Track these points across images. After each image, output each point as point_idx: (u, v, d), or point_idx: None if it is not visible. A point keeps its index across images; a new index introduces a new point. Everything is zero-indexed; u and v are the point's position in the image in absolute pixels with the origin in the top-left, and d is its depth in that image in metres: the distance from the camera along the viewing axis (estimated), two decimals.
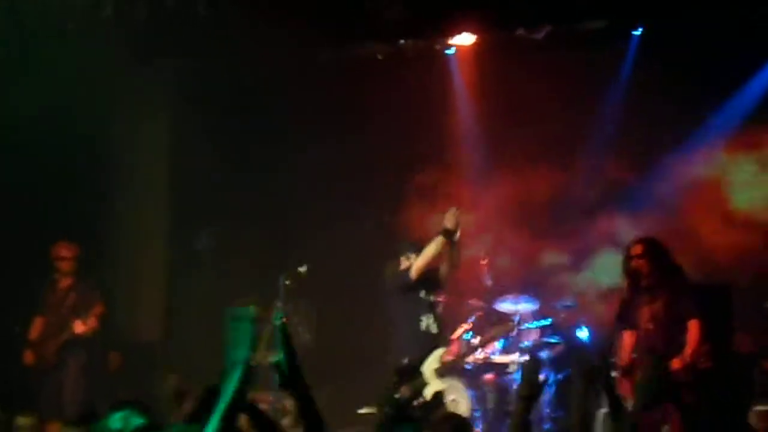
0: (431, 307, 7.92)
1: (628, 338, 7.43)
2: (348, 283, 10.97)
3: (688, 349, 7.04)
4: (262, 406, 10.09)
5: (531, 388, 4.43)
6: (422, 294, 7.88)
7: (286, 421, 10.33)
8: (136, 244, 11.08)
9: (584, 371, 4.50)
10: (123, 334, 10.32)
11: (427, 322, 7.84)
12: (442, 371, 7.69)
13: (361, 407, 9.84)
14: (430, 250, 7.65)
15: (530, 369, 4.52)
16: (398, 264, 8.01)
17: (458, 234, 7.63)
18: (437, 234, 7.64)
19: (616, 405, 4.72)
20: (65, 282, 9.26)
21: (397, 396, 7.71)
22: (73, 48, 8.83)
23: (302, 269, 8.87)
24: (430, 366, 7.68)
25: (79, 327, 9.01)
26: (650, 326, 7.28)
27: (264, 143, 11.47)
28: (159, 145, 11.39)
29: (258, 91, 11.27)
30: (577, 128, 10.70)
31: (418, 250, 7.85)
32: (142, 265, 11.09)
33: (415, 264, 7.68)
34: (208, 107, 11.15)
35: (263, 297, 10.04)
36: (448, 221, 7.54)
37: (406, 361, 7.69)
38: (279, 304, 8.97)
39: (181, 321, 11.03)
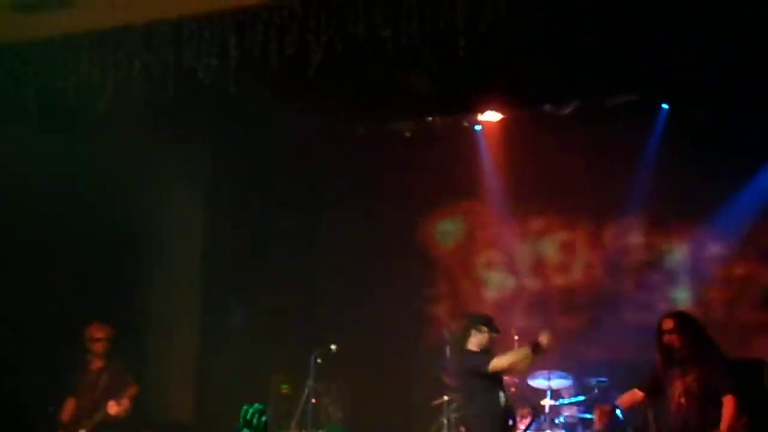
0: (502, 383, 7.89)
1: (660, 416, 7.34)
2: (381, 361, 10.95)
3: (724, 425, 6.94)
4: None
5: None
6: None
7: None
8: (168, 323, 11.10)
9: None
10: (154, 414, 10.30)
11: (504, 397, 7.79)
12: None
13: None
14: (516, 358, 7.62)
15: None
16: (467, 335, 7.91)
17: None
18: (527, 344, 7.62)
19: None
20: (98, 363, 9.27)
21: None
22: (105, 126, 8.95)
23: (333, 347, 8.87)
24: None
25: (113, 408, 9.00)
26: (683, 401, 7.18)
27: (295, 219, 11.55)
28: (191, 222, 11.46)
29: (289, 166, 11.38)
30: (604, 200, 10.71)
31: (488, 323, 7.86)
32: (174, 343, 11.10)
33: (497, 362, 7.56)
34: (240, 183, 11.27)
35: (294, 375, 10.05)
36: (544, 339, 7.49)
37: None
38: (310, 382, 8.94)
39: (212, 399, 11.00)
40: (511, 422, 7.74)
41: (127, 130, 9.34)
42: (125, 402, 9.00)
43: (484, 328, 7.85)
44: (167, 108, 8.98)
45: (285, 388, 10.62)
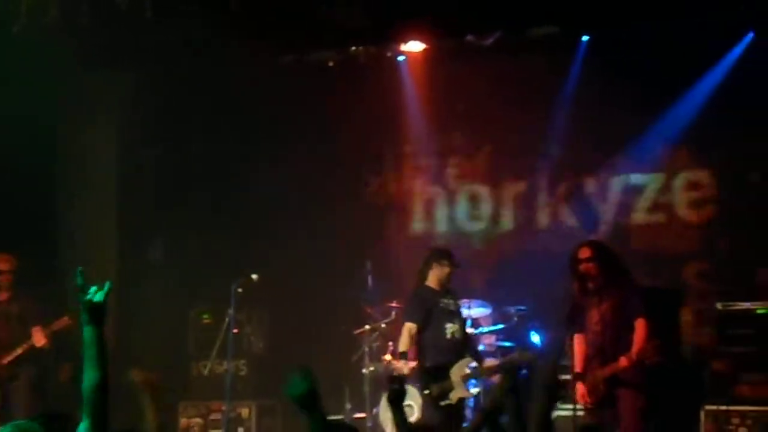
0: (455, 315, 8.13)
1: (578, 342, 7.47)
2: (301, 291, 10.96)
3: (635, 347, 7.10)
4: (215, 416, 10.15)
5: (494, 406, 4.45)
6: (444, 302, 8.10)
7: (241, 430, 10.31)
8: (85, 256, 10.94)
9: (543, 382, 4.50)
10: (74, 347, 10.18)
11: (453, 329, 8.01)
12: (466, 379, 7.95)
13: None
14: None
15: (501, 387, 4.53)
16: (429, 268, 8.20)
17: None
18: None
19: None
20: (3, 295, 9.12)
21: (426, 392, 7.94)
22: (18, 53, 8.70)
23: (254, 276, 8.84)
24: (457, 372, 7.87)
25: (39, 340, 8.88)
26: (598, 328, 7.32)
27: (213, 151, 11.43)
28: (108, 153, 11.29)
29: (213, 98, 11.23)
30: (527, 132, 10.78)
31: (450, 257, 8.16)
32: (92, 276, 10.93)
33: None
34: (158, 115, 11.11)
35: (216, 306, 10.01)
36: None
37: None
38: (231, 312, 8.91)
39: (132, 331, 10.94)
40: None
41: (40, 56, 9.12)
42: (48, 333, 8.89)
43: (446, 262, 8.06)
44: (82, 34, 8.77)
45: (206, 319, 10.60)
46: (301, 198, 11.45)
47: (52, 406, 8.22)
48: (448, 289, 8.29)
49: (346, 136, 11.31)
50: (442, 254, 8.26)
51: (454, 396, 7.83)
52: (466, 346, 8.15)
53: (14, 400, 8.98)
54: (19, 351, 8.93)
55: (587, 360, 7.39)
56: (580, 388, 7.33)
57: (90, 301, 3.73)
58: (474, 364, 8.04)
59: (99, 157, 11.21)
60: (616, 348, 7.19)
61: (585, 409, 7.38)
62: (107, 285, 3.78)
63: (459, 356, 8.02)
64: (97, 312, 3.71)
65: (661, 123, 10.17)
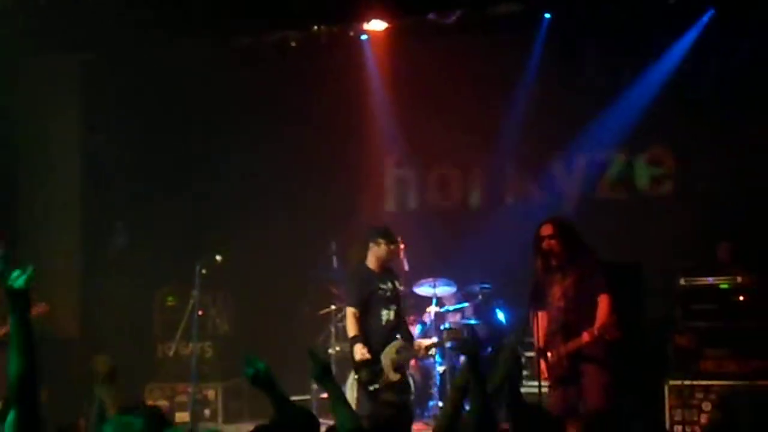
0: (391, 301, 8.01)
1: (542, 318, 7.50)
2: (266, 273, 10.95)
3: (598, 322, 7.14)
4: (181, 398, 10.13)
5: (465, 380, 4.49)
6: (382, 288, 8.00)
7: (207, 412, 10.31)
8: (49, 242, 10.87)
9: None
10: (40, 331, 10.10)
11: (388, 315, 7.95)
12: (397, 364, 7.84)
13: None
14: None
15: (469, 364, 4.56)
16: (366, 249, 8.06)
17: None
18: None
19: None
20: None
21: (355, 377, 7.90)
22: None
23: (218, 257, 8.82)
24: (387, 355, 7.82)
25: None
26: (561, 304, 7.34)
27: (176, 134, 11.38)
28: (68, 139, 11.21)
29: (168, 81, 11.14)
30: (489, 111, 10.80)
31: (387, 236, 8.00)
32: (56, 262, 10.87)
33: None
34: (118, 99, 11.02)
35: (180, 288, 9.98)
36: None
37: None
38: (195, 293, 8.88)
39: (98, 315, 10.88)
40: (399, 337, 7.95)
41: None
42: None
43: (381, 241, 7.96)
44: (40, 17, 8.68)
45: (170, 301, 10.57)
46: (267, 179, 11.43)
47: None
48: (388, 268, 8.17)
49: (311, 118, 11.27)
50: (378, 232, 8.05)
51: (383, 381, 7.78)
52: (398, 328, 8.07)
53: None
54: None
55: (550, 335, 7.41)
56: (542, 364, 7.36)
57: (11, 286, 3.55)
58: (402, 345, 7.95)
59: (60, 144, 11.12)
60: (579, 324, 7.20)
61: (549, 386, 7.42)
62: (29, 270, 3.58)
63: (391, 340, 7.94)
64: (19, 298, 3.55)
65: (623, 101, 10.24)
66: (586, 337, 7.13)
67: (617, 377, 7.30)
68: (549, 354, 7.34)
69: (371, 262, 8.03)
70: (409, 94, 11.12)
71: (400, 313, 8.12)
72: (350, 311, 7.94)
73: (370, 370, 7.76)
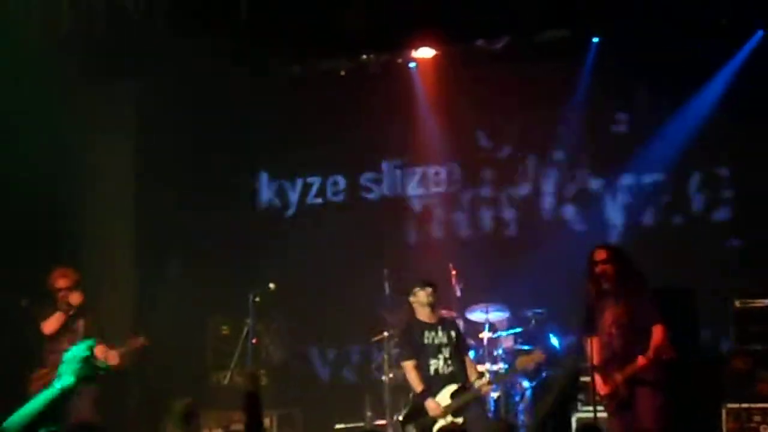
0: (439, 349, 8.08)
1: (595, 344, 7.46)
2: (320, 299, 11.00)
3: (651, 351, 7.12)
4: (236, 426, 10.16)
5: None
6: (430, 337, 8.11)
7: None
8: (103, 274, 10.95)
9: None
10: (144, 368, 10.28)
11: (437, 365, 8.03)
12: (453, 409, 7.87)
13: (337, 423, 9.87)
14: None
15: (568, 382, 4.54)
16: (411, 304, 8.27)
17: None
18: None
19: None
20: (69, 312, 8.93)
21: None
22: (32, 65, 8.71)
23: (272, 285, 8.86)
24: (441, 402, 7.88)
25: (113, 360, 8.80)
26: (613, 331, 7.33)
27: (230, 161, 11.48)
28: (124, 168, 11.33)
29: (222, 109, 11.28)
30: (539, 136, 10.81)
31: (417, 283, 8.20)
32: (109, 295, 10.92)
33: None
34: (173, 126, 11.14)
35: (234, 317, 10.04)
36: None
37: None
38: (249, 322, 8.93)
39: (152, 345, 10.95)
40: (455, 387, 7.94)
41: (54, 66, 9.13)
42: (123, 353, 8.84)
43: (416, 289, 8.14)
44: (96, 45, 8.80)
45: (224, 330, 10.63)
46: (317, 206, 11.51)
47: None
48: (441, 317, 8.32)
49: (359, 144, 11.35)
50: (409, 287, 8.30)
51: (435, 429, 7.82)
52: (452, 375, 8.07)
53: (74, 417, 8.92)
54: None
55: (604, 362, 7.38)
56: (597, 379, 7.31)
57: (97, 368, 3.55)
58: (456, 390, 7.94)
59: (115, 171, 11.23)
60: (631, 352, 7.20)
61: (609, 413, 7.39)
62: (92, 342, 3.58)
63: (441, 389, 7.96)
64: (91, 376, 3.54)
65: (673, 123, 10.20)
66: (641, 360, 7.12)
67: (673, 401, 7.25)
68: (604, 380, 7.30)
69: (420, 313, 8.22)
70: (457, 121, 11.16)
71: (457, 356, 8.12)
72: (406, 365, 8.10)
73: (417, 423, 7.83)
